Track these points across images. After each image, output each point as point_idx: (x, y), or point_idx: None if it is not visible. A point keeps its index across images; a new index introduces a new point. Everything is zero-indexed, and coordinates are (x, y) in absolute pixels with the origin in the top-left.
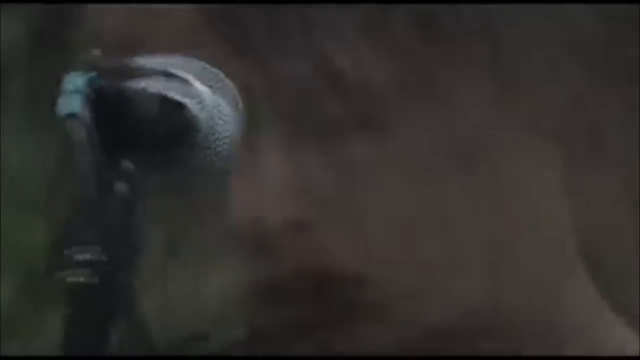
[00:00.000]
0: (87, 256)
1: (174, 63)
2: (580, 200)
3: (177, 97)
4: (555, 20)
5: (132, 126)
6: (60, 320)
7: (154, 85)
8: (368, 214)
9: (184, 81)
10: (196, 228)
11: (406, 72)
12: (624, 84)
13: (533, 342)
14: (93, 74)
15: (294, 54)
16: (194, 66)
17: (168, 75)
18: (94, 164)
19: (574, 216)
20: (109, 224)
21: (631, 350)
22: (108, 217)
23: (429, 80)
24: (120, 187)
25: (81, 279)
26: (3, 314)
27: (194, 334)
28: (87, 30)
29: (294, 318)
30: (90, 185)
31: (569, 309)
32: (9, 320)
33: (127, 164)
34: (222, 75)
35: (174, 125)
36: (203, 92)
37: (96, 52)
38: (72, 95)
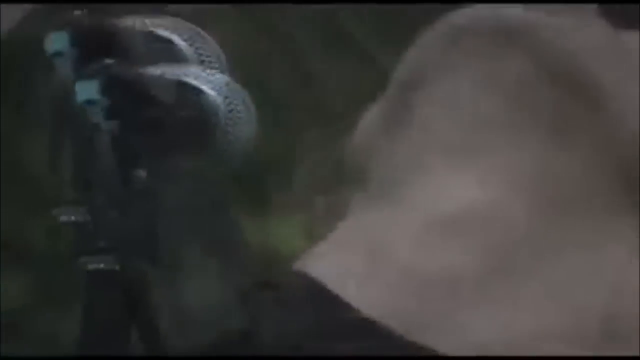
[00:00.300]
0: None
1: (158, 23)
2: None
3: (195, 82)
4: None
5: (150, 112)
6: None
7: (171, 72)
8: None
9: (192, 63)
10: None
11: None
12: None
13: None
14: (76, 33)
15: None
16: (177, 25)
17: (150, 35)
18: (113, 149)
19: None
20: (128, 209)
21: None
22: (127, 202)
23: None
24: (140, 173)
25: (102, 266)
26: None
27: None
28: None
29: None
30: (108, 169)
31: None
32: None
33: (146, 151)
34: (202, 32)
35: (192, 110)
36: (218, 76)
37: (78, 12)
38: (89, 81)
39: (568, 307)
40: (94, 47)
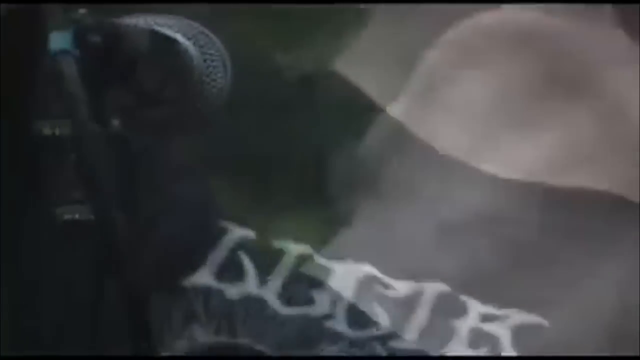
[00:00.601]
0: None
1: (161, 22)
2: None
3: (168, 32)
4: None
5: (124, 61)
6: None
7: (144, 21)
8: None
9: (177, 19)
10: None
11: None
12: None
13: None
14: (79, 32)
15: None
16: (181, 24)
17: (154, 34)
18: (86, 99)
19: None
20: (101, 159)
21: None
22: (101, 152)
23: None
24: (114, 123)
25: (77, 216)
26: None
27: None
28: None
29: None
30: (82, 120)
31: None
32: None
33: (120, 100)
34: (206, 31)
35: (165, 59)
36: (195, 27)
37: (82, 10)
38: (63, 32)
39: None
40: (98, 46)
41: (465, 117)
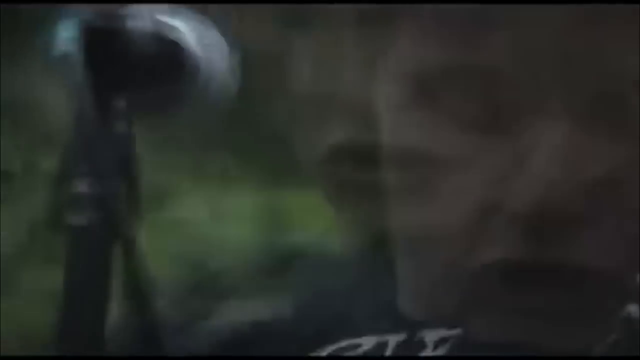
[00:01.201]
0: (85, 191)
1: (163, 10)
2: None
3: (170, 32)
4: None
5: (125, 64)
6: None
7: (145, 21)
8: None
9: (178, 15)
10: None
11: None
12: None
13: None
14: (83, 19)
15: None
16: (182, 14)
17: (156, 22)
18: (89, 103)
19: None
20: (105, 162)
21: None
22: (105, 155)
23: None
24: (118, 124)
25: (83, 220)
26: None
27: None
28: None
29: None
30: (85, 124)
31: None
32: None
33: (123, 102)
34: (211, 29)
35: (168, 59)
36: (199, 25)
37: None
38: (65, 36)
39: None
40: (101, 50)
41: None
